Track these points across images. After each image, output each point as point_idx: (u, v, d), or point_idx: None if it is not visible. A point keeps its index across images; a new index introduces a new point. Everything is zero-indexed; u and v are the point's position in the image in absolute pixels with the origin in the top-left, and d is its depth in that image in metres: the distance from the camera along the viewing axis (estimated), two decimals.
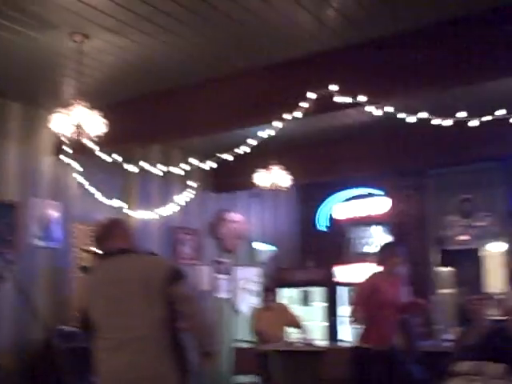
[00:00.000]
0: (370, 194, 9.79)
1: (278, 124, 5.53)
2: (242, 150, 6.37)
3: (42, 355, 5.52)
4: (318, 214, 10.23)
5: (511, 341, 5.13)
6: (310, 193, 10.13)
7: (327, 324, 9.02)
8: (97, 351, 3.31)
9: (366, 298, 5.22)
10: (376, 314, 5.17)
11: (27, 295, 5.11)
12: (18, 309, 5.52)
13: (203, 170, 7.50)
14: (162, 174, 6.94)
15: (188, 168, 6.82)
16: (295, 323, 7.80)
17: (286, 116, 5.35)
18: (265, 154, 7.08)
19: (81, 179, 6.43)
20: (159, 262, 3.47)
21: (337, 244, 9.73)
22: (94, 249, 5.86)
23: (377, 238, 9.66)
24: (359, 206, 9.81)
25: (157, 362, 3.24)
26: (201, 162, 6.83)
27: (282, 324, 7.73)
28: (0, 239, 5.62)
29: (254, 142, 6.17)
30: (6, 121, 5.87)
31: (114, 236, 3.43)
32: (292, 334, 7.75)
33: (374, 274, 5.43)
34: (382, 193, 9.61)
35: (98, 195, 6.61)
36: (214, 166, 6.79)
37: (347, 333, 8.78)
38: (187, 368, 3.31)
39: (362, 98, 5.00)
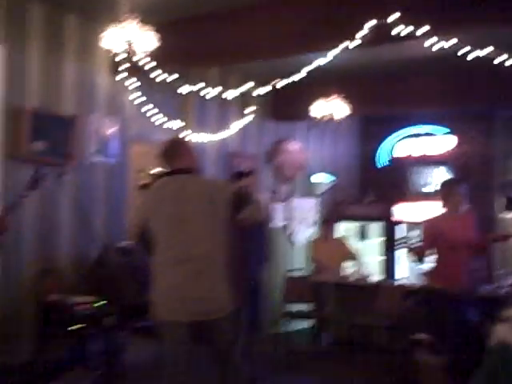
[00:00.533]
0: (434, 133, 9.47)
1: (336, 52, 5.36)
2: (300, 76, 6.21)
3: (98, 269, 5.65)
4: (379, 150, 9.99)
5: None
6: (372, 128, 9.89)
7: (383, 260, 8.92)
8: (156, 266, 3.45)
9: (433, 239, 5.16)
10: (444, 254, 5.13)
11: (83, 210, 5.18)
12: (76, 222, 5.64)
13: (262, 96, 7.38)
14: (218, 96, 6.85)
15: (244, 91, 6.70)
16: (352, 257, 7.75)
17: (346, 44, 5.17)
18: (325, 84, 6.91)
19: (137, 98, 6.40)
20: (226, 188, 3.60)
21: (396, 181, 9.51)
22: (151, 170, 5.91)
23: (438, 178, 9.38)
24: (422, 144, 9.51)
25: (215, 283, 3.38)
26: (258, 87, 6.71)
27: (339, 256, 7.69)
28: (57, 153, 5.67)
29: (311, 70, 5.99)
30: (63, 33, 5.84)
31: (180, 155, 3.55)
32: (348, 267, 7.71)
33: (439, 215, 5.33)
34: (447, 132, 9.29)
35: (154, 116, 6.59)
36: (271, 91, 6.65)
37: (403, 270, 8.69)
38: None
39: (425, 29, 4.78)
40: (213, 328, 3.47)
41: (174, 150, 3.60)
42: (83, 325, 5.03)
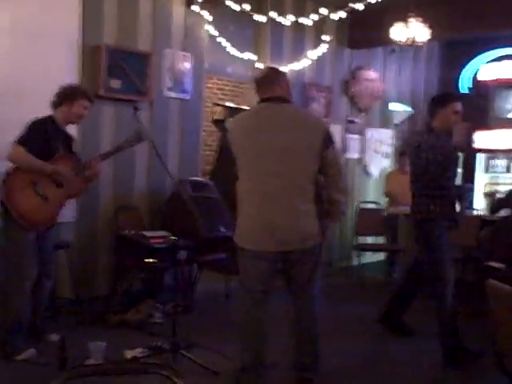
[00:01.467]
0: None
1: None
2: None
3: (171, 204, 5.78)
4: (460, 75, 9.56)
5: None
6: (453, 51, 9.44)
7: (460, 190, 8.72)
8: (244, 194, 3.45)
9: None
10: None
11: (159, 146, 5.25)
12: (152, 157, 5.74)
13: (338, 23, 7.16)
14: (291, 25, 6.68)
15: (320, 18, 6.49)
16: None
17: None
18: (403, 6, 6.59)
19: (212, 30, 6.33)
20: (319, 122, 3.64)
21: (479, 108, 9.10)
22: (226, 103, 5.82)
23: None
24: (505, 67, 8.97)
25: (306, 215, 3.39)
26: (333, 12, 6.48)
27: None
28: (133, 88, 5.73)
29: None
30: None
31: (277, 83, 3.47)
32: None
33: None
34: None
35: (229, 47, 6.52)
36: (347, 17, 6.41)
37: (481, 202, 8.49)
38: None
39: None
40: (299, 258, 3.48)
41: (271, 78, 3.53)
42: (157, 259, 5.19)
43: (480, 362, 4.30)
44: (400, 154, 7.98)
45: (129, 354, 4.27)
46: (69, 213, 5.14)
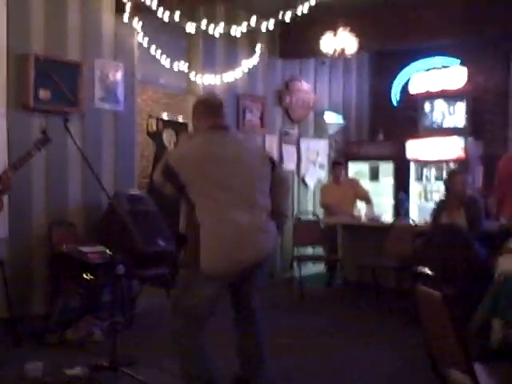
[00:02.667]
0: (447, 66, 9.21)
1: None
2: (306, 8, 5.98)
3: (108, 218, 5.60)
4: (390, 86, 9.76)
5: None
6: (383, 62, 9.66)
7: (394, 200, 8.84)
8: (207, 222, 3.35)
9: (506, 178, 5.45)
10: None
11: (91, 158, 5.07)
12: (85, 170, 5.53)
13: (269, 34, 7.16)
14: (224, 35, 6.63)
15: (252, 29, 6.48)
16: (365, 198, 7.68)
17: None
18: (332, 17, 6.66)
19: (143, 40, 6.22)
20: (261, 148, 4.19)
21: (409, 118, 9.34)
22: (162, 116, 5.68)
23: (452, 112, 9.18)
24: (435, 77, 9.21)
25: (267, 222, 3.47)
26: (263, 23, 6.47)
27: (351, 198, 7.62)
28: (63, 99, 5.54)
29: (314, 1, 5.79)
30: None
31: (223, 115, 3.55)
32: (360, 209, 7.65)
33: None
34: (460, 64, 9.03)
35: (161, 58, 6.41)
36: (279, 28, 6.42)
37: (415, 210, 8.63)
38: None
39: None
40: (254, 274, 3.53)
41: (220, 109, 3.57)
42: (95, 274, 5.02)
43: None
44: (335, 163, 8.06)
45: (69, 373, 4.06)
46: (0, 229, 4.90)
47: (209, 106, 3.55)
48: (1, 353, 4.06)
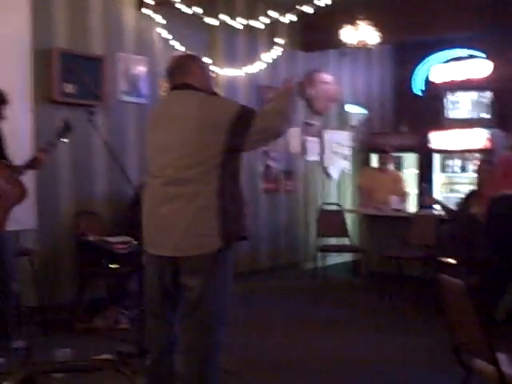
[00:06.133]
0: (471, 56, 9.14)
1: None
2: (323, 1, 5.98)
3: (133, 208, 5.66)
4: (413, 77, 9.72)
5: None
6: (406, 53, 9.60)
7: (418, 190, 8.81)
8: (146, 190, 3.03)
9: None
10: None
11: (116, 150, 5.15)
12: (111, 162, 5.61)
13: (290, 26, 7.19)
14: (245, 28, 6.69)
15: (270, 22, 6.52)
16: (402, 196, 7.58)
17: None
18: (352, 9, 6.66)
19: (165, 33, 6.28)
20: (226, 101, 3.07)
21: (433, 109, 9.24)
22: None
23: (476, 103, 9.10)
24: (458, 68, 9.15)
25: (196, 215, 2.84)
26: (283, 15, 6.51)
27: (390, 190, 7.47)
28: (88, 93, 5.64)
29: None
30: None
31: (185, 71, 3.05)
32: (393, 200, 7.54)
33: None
34: (484, 55, 8.95)
35: (183, 51, 6.47)
36: (300, 20, 6.45)
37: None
38: (233, 232, 2.90)
39: None
40: (187, 267, 2.89)
41: (181, 65, 3.08)
42: (121, 264, 5.08)
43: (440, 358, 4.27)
44: (381, 151, 7.96)
45: (97, 359, 4.13)
46: (29, 220, 5.00)
47: (168, 70, 3.11)
48: (30, 340, 4.14)
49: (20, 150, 4.62)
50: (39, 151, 4.49)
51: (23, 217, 4.44)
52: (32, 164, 4.37)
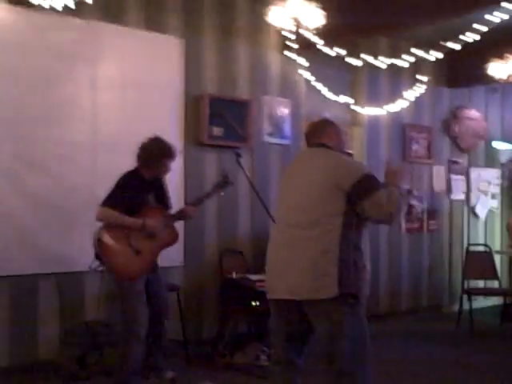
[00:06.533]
0: None
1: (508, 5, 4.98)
2: (471, 37, 5.85)
3: None
4: None
5: None
6: None
7: None
8: (270, 236, 3.30)
9: None
10: None
11: (260, 191, 5.32)
12: (254, 201, 5.79)
13: (434, 63, 7.07)
14: (388, 67, 6.67)
15: (414, 60, 6.45)
16: None
17: None
18: (500, 42, 6.44)
19: (307, 75, 6.43)
20: (356, 167, 3.20)
21: None
22: None
23: None
24: None
25: (315, 260, 2.99)
26: (428, 53, 6.42)
27: None
28: (234, 135, 5.89)
29: (483, 28, 5.63)
30: (235, 17, 6.00)
31: (321, 133, 3.35)
32: None
33: None
34: None
35: (325, 91, 6.59)
36: (441, 56, 6.35)
37: None
38: (351, 289, 3.01)
39: None
40: (309, 312, 3.08)
41: (317, 128, 3.41)
42: (262, 302, 5.17)
43: None
44: None
45: None
46: (176, 257, 5.29)
47: (306, 133, 3.47)
48: (175, 371, 4.36)
49: (172, 190, 4.86)
50: (189, 204, 4.70)
51: (172, 254, 4.69)
52: (180, 216, 4.58)
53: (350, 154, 3.42)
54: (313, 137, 3.36)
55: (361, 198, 3.01)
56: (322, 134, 3.33)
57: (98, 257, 4.29)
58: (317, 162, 3.19)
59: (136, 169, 4.37)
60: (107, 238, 4.23)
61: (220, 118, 5.79)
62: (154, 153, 4.34)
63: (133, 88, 5.26)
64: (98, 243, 4.24)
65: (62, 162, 4.92)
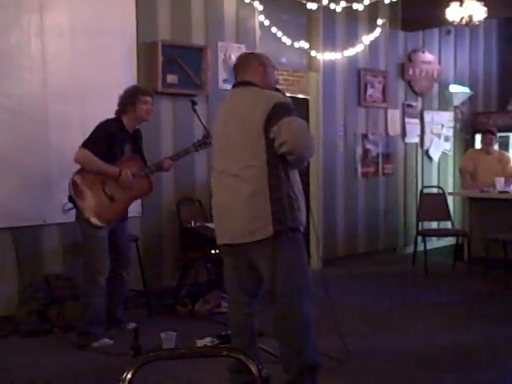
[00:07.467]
0: None
1: None
2: None
3: None
4: None
5: None
6: None
7: None
8: (212, 182, 3.35)
9: None
10: None
11: None
12: (210, 150, 5.73)
13: (390, 5, 7.04)
14: (343, 10, 6.61)
15: (369, 2, 6.40)
16: (508, 175, 7.28)
17: None
18: None
19: (264, 20, 6.33)
20: (265, 96, 3.13)
21: None
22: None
23: None
24: None
25: (250, 204, 3.05)
26: None
27: (496, 172, 7.19)
28: (189, 83, 5.79)
29: None
30: None
31: (246, 68, 3.28)
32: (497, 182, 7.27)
33: None
34: None
35: (281, 36, 6.51)
36: None
37: None
38: (287, 224, 3.05)
39: None
40: (251, 255, 3.17)
41: (243, 62, 3.32)
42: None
43: None
44: (484, 131, 7.60)
45: (199, 343, 4.32)
46: (134, 208, 5.25)
47: (233, 67, 3.42)
48: (137, 322, 4.39)
49: None
50: (167, 158, 4.75)
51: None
52: (157, 168, 4.65)
53: (278, 90, 3.32)
54: (239, 72, 3.31)
55: (272, 124, 3.00)
56: (247, 68, 3.27)
57: (71, 199, 4.32)
58: (240, 106, 3.15)
59: (117, 117, 4.45)
60: (81, 181, 4.30)
61: (174, 65, 5.67)
62: (130, 92, 4.47)
63: (83, 35, 5.09)
64: (73, 185, 4.27)
65: (14, 115, 4.76)
